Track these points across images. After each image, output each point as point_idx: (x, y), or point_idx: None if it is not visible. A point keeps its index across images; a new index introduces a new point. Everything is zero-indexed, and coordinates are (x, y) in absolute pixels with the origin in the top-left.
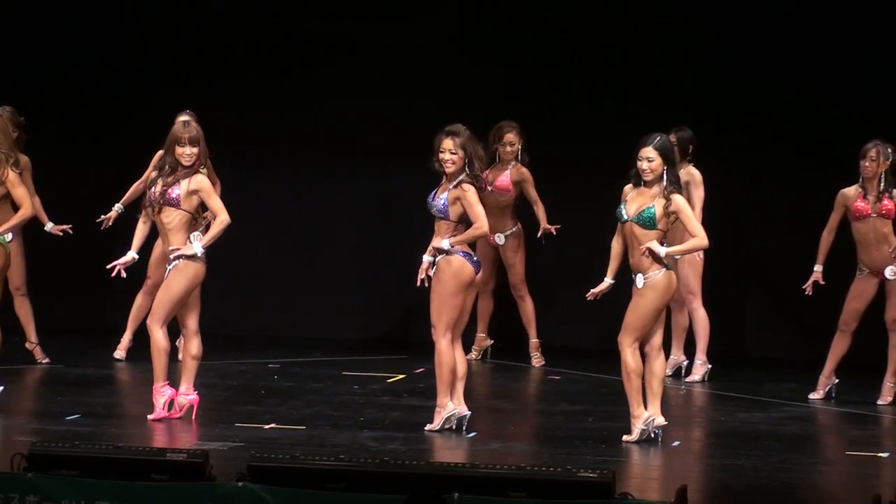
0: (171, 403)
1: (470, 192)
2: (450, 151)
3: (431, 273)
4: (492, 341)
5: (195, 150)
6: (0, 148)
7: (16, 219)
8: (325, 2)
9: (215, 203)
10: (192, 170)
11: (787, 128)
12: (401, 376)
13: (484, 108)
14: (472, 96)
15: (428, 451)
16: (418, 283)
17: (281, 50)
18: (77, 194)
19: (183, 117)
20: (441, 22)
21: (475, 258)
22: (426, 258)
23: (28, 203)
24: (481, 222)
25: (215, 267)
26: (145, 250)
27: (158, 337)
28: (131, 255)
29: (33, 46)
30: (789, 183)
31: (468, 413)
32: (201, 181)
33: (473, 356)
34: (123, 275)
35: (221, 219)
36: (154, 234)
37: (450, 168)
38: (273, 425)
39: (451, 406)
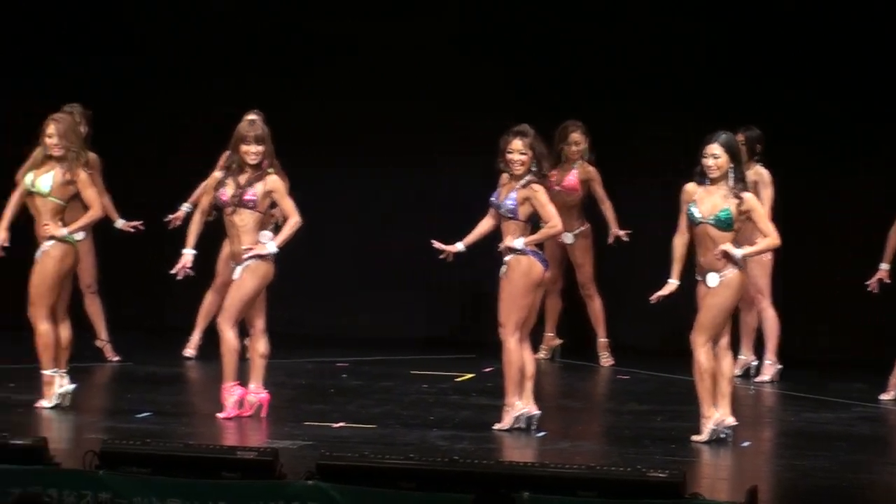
0: (240, 402)
1: (540, 192)
2: (518, 152)
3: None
4: (560, 341)
5: (261, 148)
6: (70, 147)
7: (85, 219)
8: (325, 2)
9: (288, 204)
10: (263, 171)
11: (786, 128)
12: (470, 375)
13: (484, 108)
14: (472, 96)
15: (497, 450)
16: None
17: (281, 50)
18: None
19: (250, 116)
20: (441, 22)
21: (544, 257)
22: (459, 245)
23: (98, 204)
24: (555, 221)
25: (281, 266)
26: (203, 247)
27: (229, 336)
28: (189, 252)
29: (33, 46)
30: (784, 183)
31: (538, 412)
32: (276, 182)
33: (542, 356)
34: (191, 273)
35: (294, 220)
36: (210, 230)
37: (518, 169)
38: (342, 424)
39: (520, 405)
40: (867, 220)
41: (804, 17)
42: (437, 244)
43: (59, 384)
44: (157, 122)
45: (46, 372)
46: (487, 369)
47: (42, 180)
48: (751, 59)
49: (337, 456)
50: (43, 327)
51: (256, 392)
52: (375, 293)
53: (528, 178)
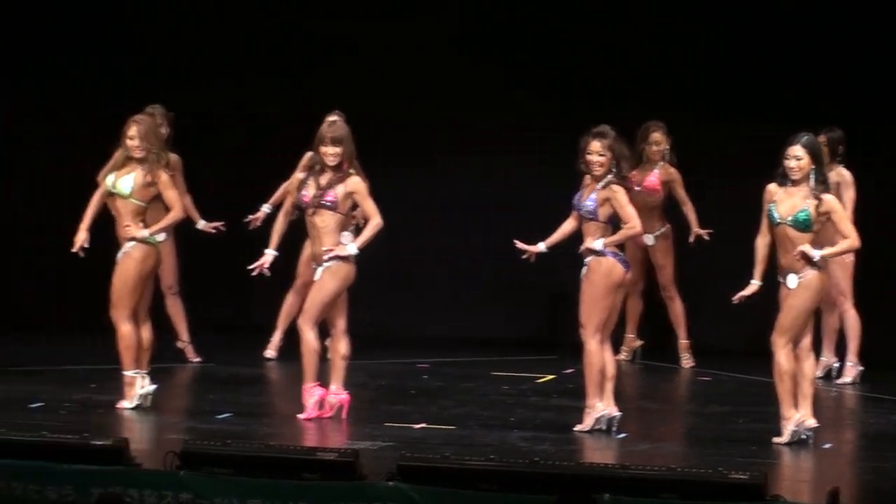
0: (321, 403)
1: (620, 193)
2: (598, 153)
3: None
4: (641, 342)
5: (338, 149)
6: (151, 149)
7: (166, 220)
8: (325, 2)
9: (369, 206)
10: (344, 172)
11: (786, 128)
12: (550, 377)
13: (484, 108)
14: (473, 96)
15: (578, 451)
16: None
17: (281, 50)
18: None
19: (331, 117)
20: (441, 22)
21: (625, 259)
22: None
23: (179, 206)
24: (634, 222)
25: (363, 267)
26: (284, 248)
27: (309, 337)
28: (271, 253)
29: (33, 46)
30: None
31: (618, 414)
32: (357, 184)
33: (623, 357)
34: (268, 273)
35: (375, 222)
36: (292, 231)
37: (597, 170)
38: (423, 425)
39: (601, 407)
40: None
41: (804, 17)
42: (519, 244)
43: (140, 385)
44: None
45: (128, 373)
46: (568, 371)
47: (123, 182)
48: (751, 59)
49: (417, 457)
50: (125, 329)
51: (337, 393)
52: (457, 294)
53: (608, 178)
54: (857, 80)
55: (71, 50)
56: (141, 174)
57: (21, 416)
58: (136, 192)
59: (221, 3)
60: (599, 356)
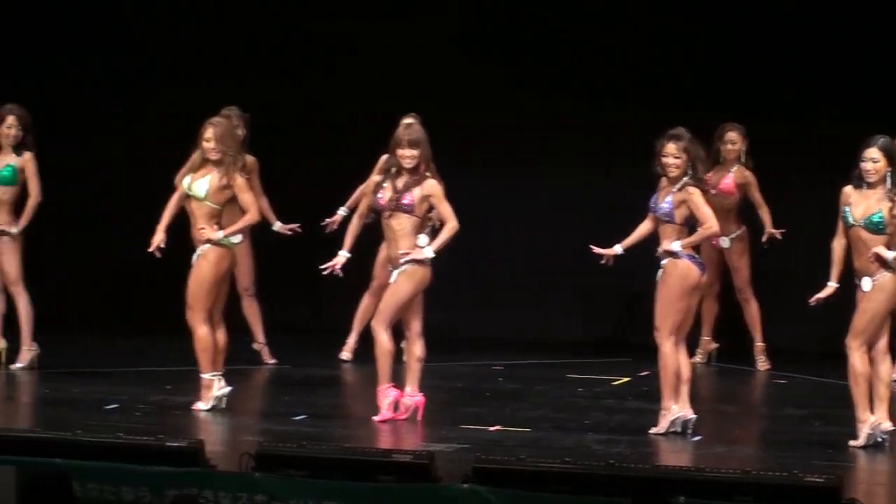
0: (396, 405)
1: (696, 195)
2: (672, 155)
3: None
4: (717, 344)
5: (415, 152)
6: (227, 151)
7: (241, 223)
8: (326, 2)
9: (446, 209)
10: (421, 175)
11: (786, 128)
12: (625, 379)
13: (484, 108)
14: (473, 97)
15: (653, 454)
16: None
17: (281, 50)
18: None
19: (406, 119)
20: (441, 22)
21: (701, 261)
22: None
23: (254, 209)
24: (711, 223)
25: (438, 269)
26: (360, 250)
27: (383, 339)
28: (343, 255)
29: (33, 46)
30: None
31: (693, 416)
32: (433, 187)
33: (698, 359)
34: (340, 274)
35: (451, 225)
36: (368, 234)
37: (673, 172)
38: (498, 427)
39: (676, 409)
40: None
41: (804, 16)
42: (596, 249)
43: (216, 387)
44: (158, 123)
45: (205, 375)
46: (643, 373)
47: (199, 184)
48: (751, 59)
49: (493, 459)
50: (201, 331)
51: (412, 395)
52: (532, 296)
53: (683, 180)
54: (856, 80)
55: (71, 50)
56: (216, 177)
57: (97, 417)
58: (212, 194)
59: (221, 3)
60: (674, 358)
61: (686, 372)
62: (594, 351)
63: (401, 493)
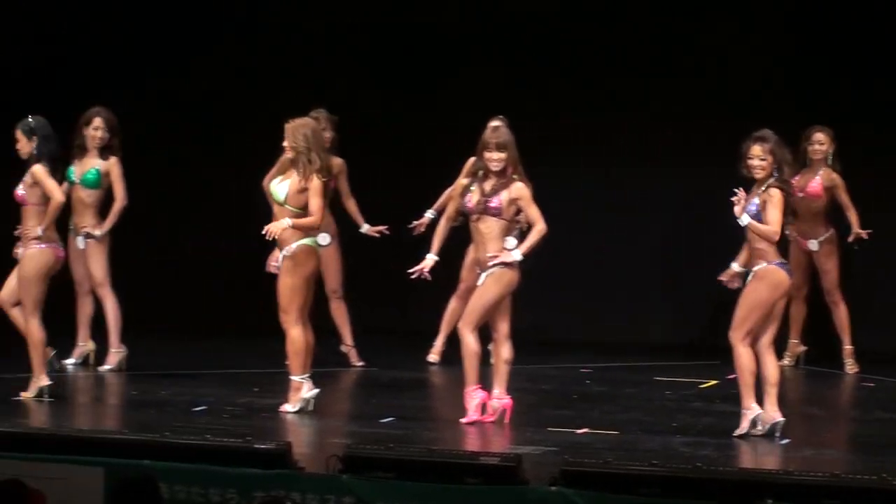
0: (483, 406)
1: (775, 196)
2: (758, 158)
3: None
4: (805, 347)
5: (503, 155)
6: (298, 148)
7: (303, 221)
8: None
9: (533, 212)
10: (507, 178)
11: (796, 127)
12: (713, 382)
13: (483, 108)
14: (472, 96)
15: (740, 457)
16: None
17: (366, 53)
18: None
19: (493, 122)
20: (441, 22)
21: (789, 266)
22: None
23: (318, 214)
24: (774, 227)
25: (527, 270)
26: (449, 253)
27: (469, 341)
28: (431, 258)
29: (123, 58)
30: None
31: (781, 419)
32: (521, 189)
33: (786, 362)
34: (428, 278)
35: (540, 228)
36: (457, 236)
37: (758, 174)
38: (586, 430)
39: (756, 408)
40: None
41: (805, 16)
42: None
43: (305, 389)
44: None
45: (295, 378)
46: (731, 376)
47: (279, 188)
48: (751, 59)
49: (580, 462)
50: (294, 332)
51: (500, 398)
52: (621, 299)
53: (769, 182)
54: (858, 79)
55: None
56: (296, 180)
57: (185, 419)
58: (290, 198)
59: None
60: (748, 358)
61: (774, 375)
62: (682, 353)
63: (488, 496)
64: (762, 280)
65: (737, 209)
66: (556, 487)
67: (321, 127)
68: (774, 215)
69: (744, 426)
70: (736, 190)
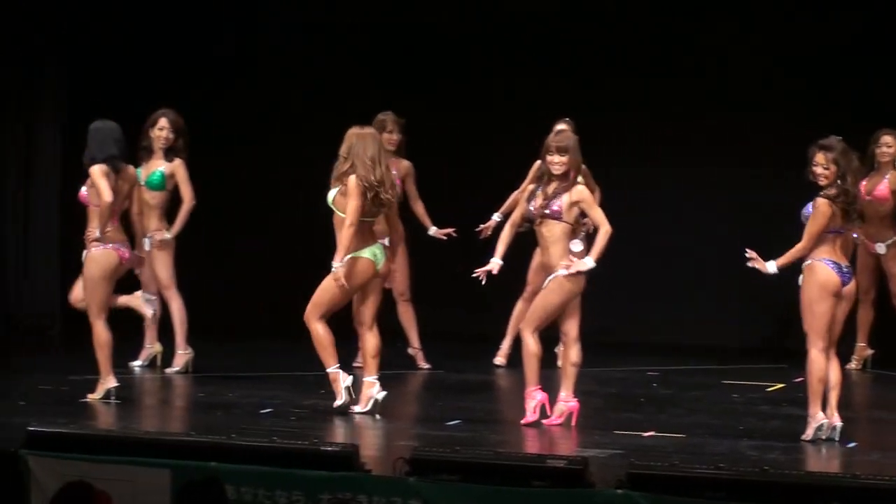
0: (542, 408)
1: (818, 209)
2: (822, 166)
3: None
4: (872, 351)
5: (564, 158)
6: (344, 160)
7: (342, 233)
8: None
9: (597, 214)
10: (569, 181)
11: (786, 128)
12: (780, 385)
13: (483, 108)
14: (472, 96)
15: (807, 460)
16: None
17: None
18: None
19: (559, 125)
20: (441, 22)
21: (840, 265)
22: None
23: (351, 216)
24: (802, 243)
25: (594, 274)
26: (515, 256)
27: (530, 343)
28: (496, 262)
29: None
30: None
31: (840, 424)
32: (581, 192)
33: (854, 366)
34: (483, 280)
35: (605, 230)
36: (524, 239)
37: (822, 181)
38: (652, 433)
39: (821, 416)
40: None
41: (805, 16)
42: (752, 257)
43: (376, 390)
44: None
45: (368, 378)
46: (798, 379)
47: (330, 193)
48: (751, 59)
49: (647, 465)
50: (314, 327)
51: (566, 400)
52: (688, 302)
53: (823, 192)
54: (859, 78)
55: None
56: (342, 185)
57: (252, 421)
58: (337, 201)
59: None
60: (819, 364)
61: (834, 378)
62: (749, 356)
63: (554, 499)
64: (808, 278)
65: (758, 266)
66: (622, 490)
67: (388, 129)
68: (809, 228)
69: (808, 432)
70: (747, 251)
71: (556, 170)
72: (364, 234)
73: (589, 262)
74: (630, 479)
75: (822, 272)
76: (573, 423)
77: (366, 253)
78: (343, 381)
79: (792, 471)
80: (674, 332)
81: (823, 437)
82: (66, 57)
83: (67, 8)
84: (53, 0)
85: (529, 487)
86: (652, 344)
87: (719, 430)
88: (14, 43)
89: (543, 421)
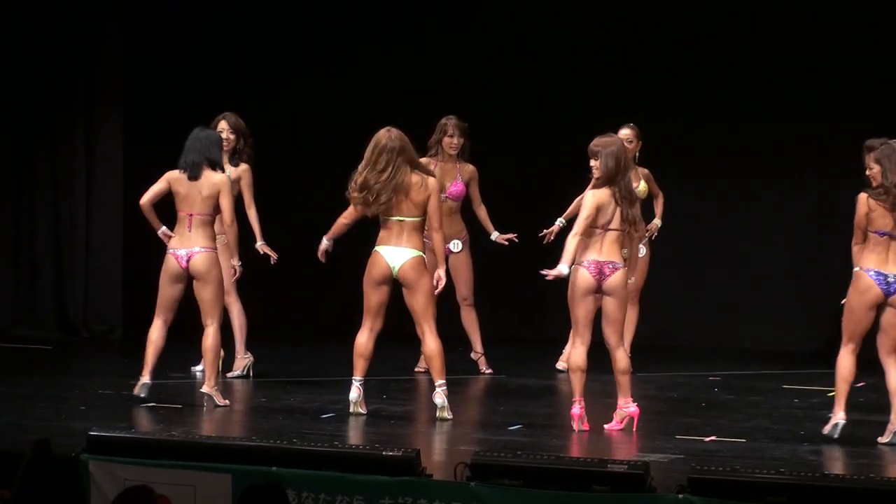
0: (581, 418)
1: (858, 203)
2: (869, 167)
3: None
4: None
5: (596, 162)
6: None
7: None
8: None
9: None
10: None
11: (789, 127)
12: None
13: (483, 108)
14: (472, 96)
15: (869, 465)
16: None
17: (505, 59)
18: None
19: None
20: (441, 21)
21: (889, 276)
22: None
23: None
24: (854, 239)
25: (654, 279)
26: None
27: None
28: (563, 268)
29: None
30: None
31: None
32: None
33: None
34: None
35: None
36: None
37: (874, 182)
38: (713, 438)
39: (842, 416)
40: None
41: (805, 15)
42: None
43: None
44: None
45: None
46: (859, 384)
47: None
48: (751, 59)
49: (707, 470)
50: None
51: (625, 406)
52: (749, 306)
53: (875, 190)
54: (858, 78)
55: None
56: None
57: (314, 426)
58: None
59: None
60: (845, 363)
61: (892, 384)
62: (810, 361)
63: (615, 503)
64: (852, 283)
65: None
66: (682, 495)
67: (448, 133)
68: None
69: (826, 428)
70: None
71: (593, 174)
72: (389, 232)
73: (563, 269)
74: (690, 483)
75: (863, 282)
76: (634, 427)
77: (383, 250)
78: (436, 399)
79: (853, 475)
80: (735, 336)
81: (836, 436)
82: (123, 61)
83: (127, 13)
84: (111, 4)
85: (590, 492)
86: (713, 349)
87: (780, 434)
88: (75, 50)
89: (605, 426)
